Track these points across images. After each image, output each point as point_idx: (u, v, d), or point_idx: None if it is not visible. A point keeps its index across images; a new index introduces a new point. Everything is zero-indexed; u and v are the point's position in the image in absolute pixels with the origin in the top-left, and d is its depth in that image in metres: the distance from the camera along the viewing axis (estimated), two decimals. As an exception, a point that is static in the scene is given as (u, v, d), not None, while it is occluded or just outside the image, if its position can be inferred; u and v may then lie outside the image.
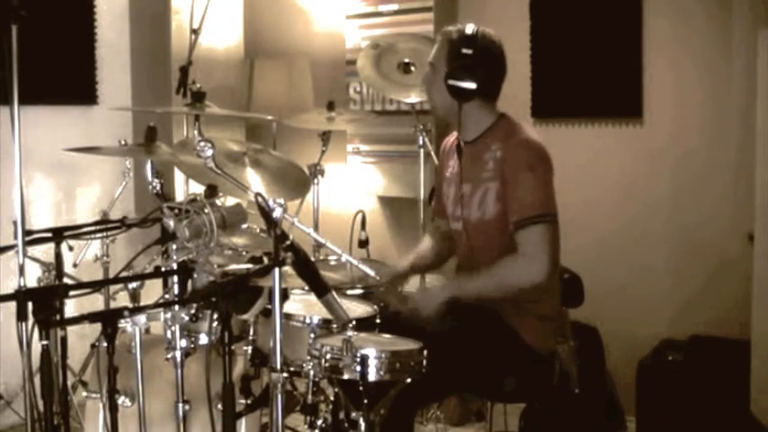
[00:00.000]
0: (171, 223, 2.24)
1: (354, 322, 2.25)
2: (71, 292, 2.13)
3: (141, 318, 2.09)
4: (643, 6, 3.75)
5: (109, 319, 1.94)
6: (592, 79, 3.88)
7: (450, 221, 2.86)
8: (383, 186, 4.56)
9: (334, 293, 2.14)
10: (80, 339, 3.59)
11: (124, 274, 2.47)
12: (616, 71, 3.82)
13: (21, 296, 2.09)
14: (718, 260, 3.63)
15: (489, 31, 2.71)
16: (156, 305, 2.31)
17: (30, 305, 2.04)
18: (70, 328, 2.69)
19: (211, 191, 2.33)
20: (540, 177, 2.61)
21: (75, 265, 3.46)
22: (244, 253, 2.62)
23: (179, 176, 3.77)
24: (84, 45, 4.32)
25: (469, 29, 2.67)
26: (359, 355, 2.17)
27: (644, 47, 3.76)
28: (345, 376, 2.19)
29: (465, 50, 2.64)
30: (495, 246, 2.67)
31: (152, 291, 2.59)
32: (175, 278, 2.43)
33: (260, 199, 2.07)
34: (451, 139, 2.90)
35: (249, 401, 2.57)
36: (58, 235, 2.66)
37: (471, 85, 2.63)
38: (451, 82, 2.64)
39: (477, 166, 2.70)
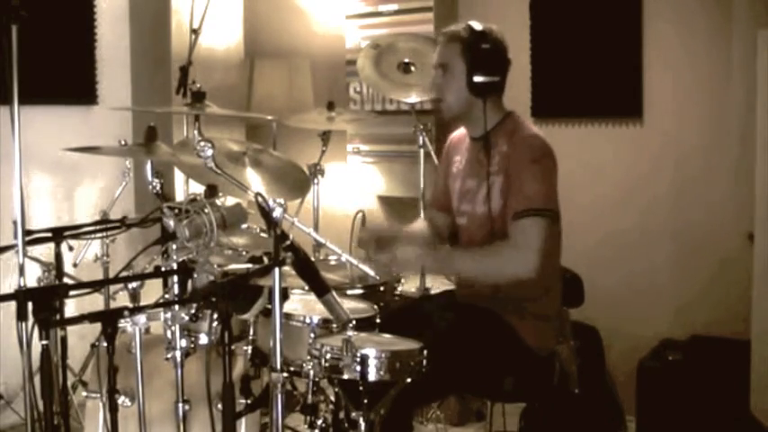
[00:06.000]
0: (171, 223, 2.24)
1: (354, 322, 2.25)
2: (71, 292, 2.13)
3: (141, 318, 2.09)
4: (643, 7, 3.75)
5: (109, 319, 1.94)
6: (592, 79, 3.88)
7: (455, 217, 2.86)
8: (383, 186, 4.56)
9: (334, 293, 2.14)
10: (80, 339, 3.58)
11: (124, 274, 2.47)
12: (616, 71, 3.82)
13: (21, 296, 2.09)
14: (718, 260, 3.63)
15: (492, 25, 2.73)
16: (156, 305, 2.31)
17: (30, 305, 2.03)
18: (70, 328, 2.68)
19: (211, 191, 2.33)
20: (543, 172, 2.61)
21: (75, 265, 3.45)
22: (244, 253, 2.62)
23: (179, 176, 3.77)
24: (84, 45, 4.32)
25: (477, 25, 2.69)
26: (359, 355, 2.17)
27: (644, 47, 3.76)
28: (345, 376, 2.19)
29: (484, 46, 2.65)
30: (498, 241, 2.66)
31: (152, 291, 2.59)
32: (175, 278, 2.43)
33: (260, 199, 2.06)
34: (458, 134, 2.90)
35: (249, 401, 2.57)
36: (58, 235, 2.66)
37: (496, 79, 2.67)
38: (478, 78, 2.65)
39: (484, 161, 2.71)
